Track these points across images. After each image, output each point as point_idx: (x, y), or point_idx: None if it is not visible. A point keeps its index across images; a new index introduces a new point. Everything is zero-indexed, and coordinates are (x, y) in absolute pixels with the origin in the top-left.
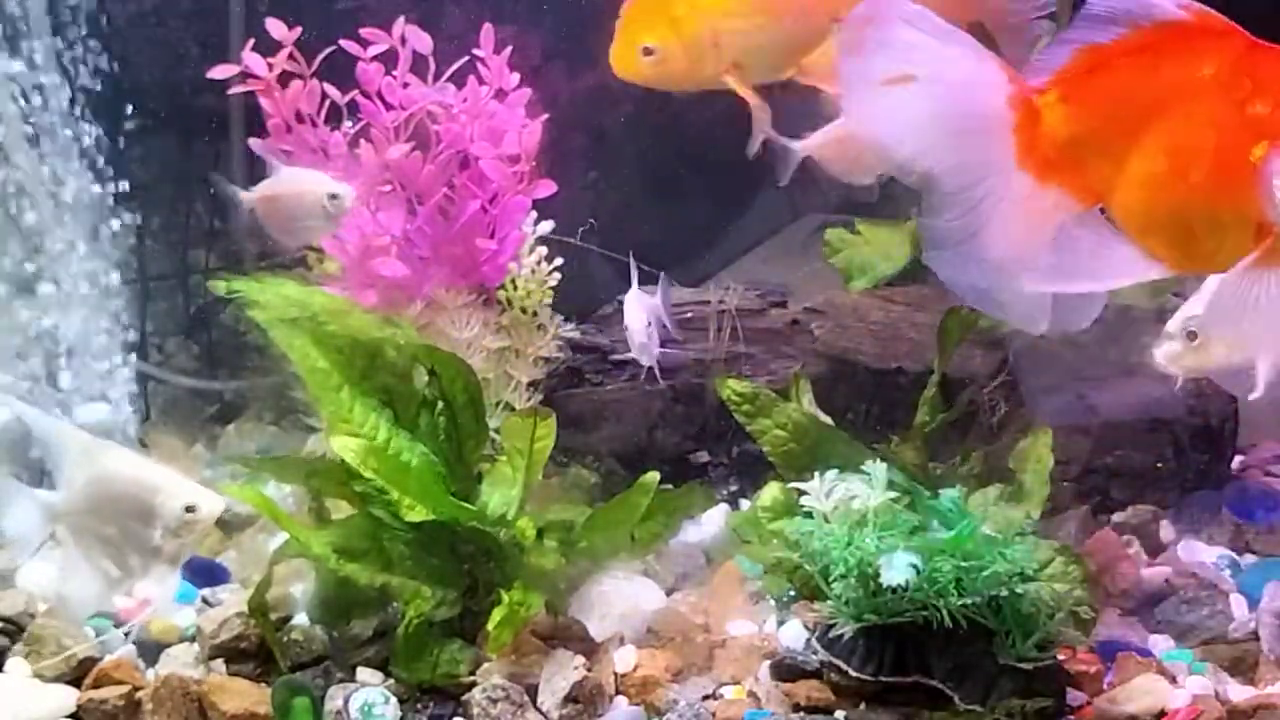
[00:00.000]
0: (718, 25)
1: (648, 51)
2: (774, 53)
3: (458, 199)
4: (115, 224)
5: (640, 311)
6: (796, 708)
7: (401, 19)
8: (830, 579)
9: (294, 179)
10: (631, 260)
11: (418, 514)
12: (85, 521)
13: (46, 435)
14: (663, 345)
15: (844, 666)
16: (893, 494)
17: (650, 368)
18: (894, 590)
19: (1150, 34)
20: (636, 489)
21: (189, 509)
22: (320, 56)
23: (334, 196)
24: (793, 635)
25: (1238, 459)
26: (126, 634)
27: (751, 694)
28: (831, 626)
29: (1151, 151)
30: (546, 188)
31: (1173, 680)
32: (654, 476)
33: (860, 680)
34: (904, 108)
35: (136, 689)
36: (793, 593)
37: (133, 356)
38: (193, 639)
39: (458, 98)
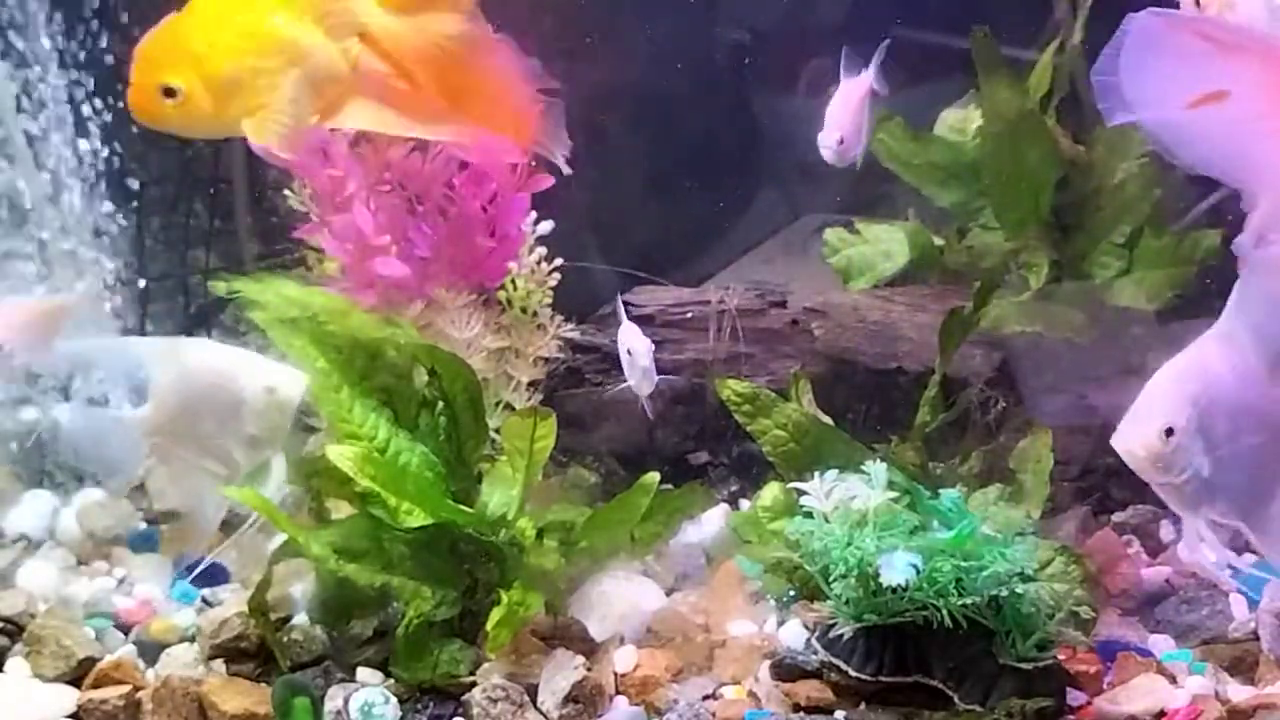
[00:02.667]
0: (242, 64)
1: (169, 92)
2: (301, 97)
3: (458, 199)
4: (115, 224)
5: (638, 342)
6: (796, 708)
7: None
8: (830, 579)
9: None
10: (619, 300)
11: (416, 519)
12: (179, 427)
13: (126, 353)
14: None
15: (844, 666)
16: (893, 494)
17: (646, 397)
18: (894, 590)
19: None
20: (636, 489)
21: (269, 390)
22: None
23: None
24: (793, 635)
25: None
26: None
27: (751, 694)
28: (831, 626)
29: None
30: (544, 181)
31: (1173, 680)
32: (654, 477)
33: (860, 680)
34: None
35: (136, 689)
36: (793, 593)
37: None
38: (193, 639)
39: None
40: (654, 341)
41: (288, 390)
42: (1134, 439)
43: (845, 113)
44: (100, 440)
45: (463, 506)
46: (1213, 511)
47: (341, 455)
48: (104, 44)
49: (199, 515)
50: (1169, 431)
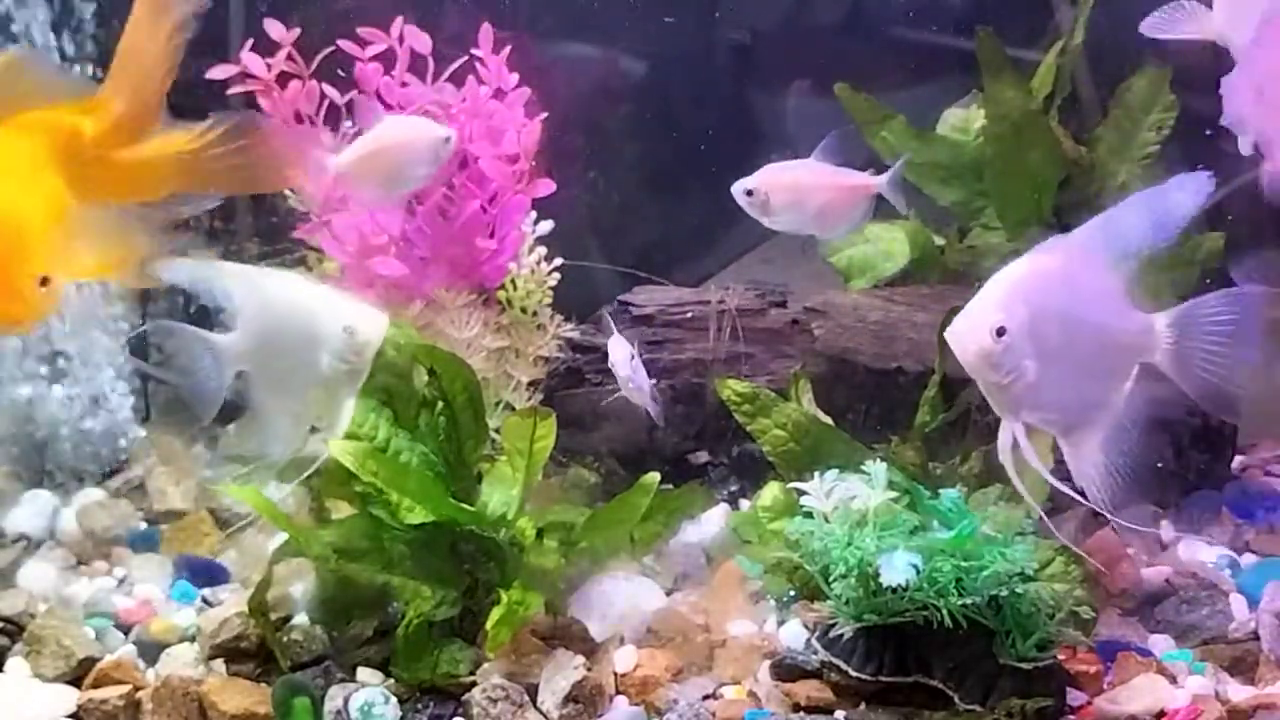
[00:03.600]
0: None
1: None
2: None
3: (458, 199)
4: None
5: (617, 354)
6: (796, 708)
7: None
8: (830, 579)
9: (399, 128)
10: (607, 315)
11: (417, 516)
12: (260, 358)
13: (213, 279)
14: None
15: (844, 666)
16: (893, 494)
17: (652, 403)
18: (894, 590)
19: None
20: (636, 489)
21: (347, 330)
22: (319, 56)
23: (446, 140)
24: (793, 635)
25: (1238, 459)
26: None
27: (751, 694)
28: (831, 626)
29: None
30: (546, 187)
31: (1173, 680)
32: (654, 477)
33: (860, 680)
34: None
35: (137, 689)
36: (793, 593)
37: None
38: (193, 639)
39: (456, 97)
40: (654, 341)
41: (366, 332)
42: (966, 335)
43: (788, 176)
44: (192, 360)
45: (464, 504)
46: (1033, 417)
47: (344, 450)
48: (103, 44)
49: (269, 453)
50: (1000, 331)
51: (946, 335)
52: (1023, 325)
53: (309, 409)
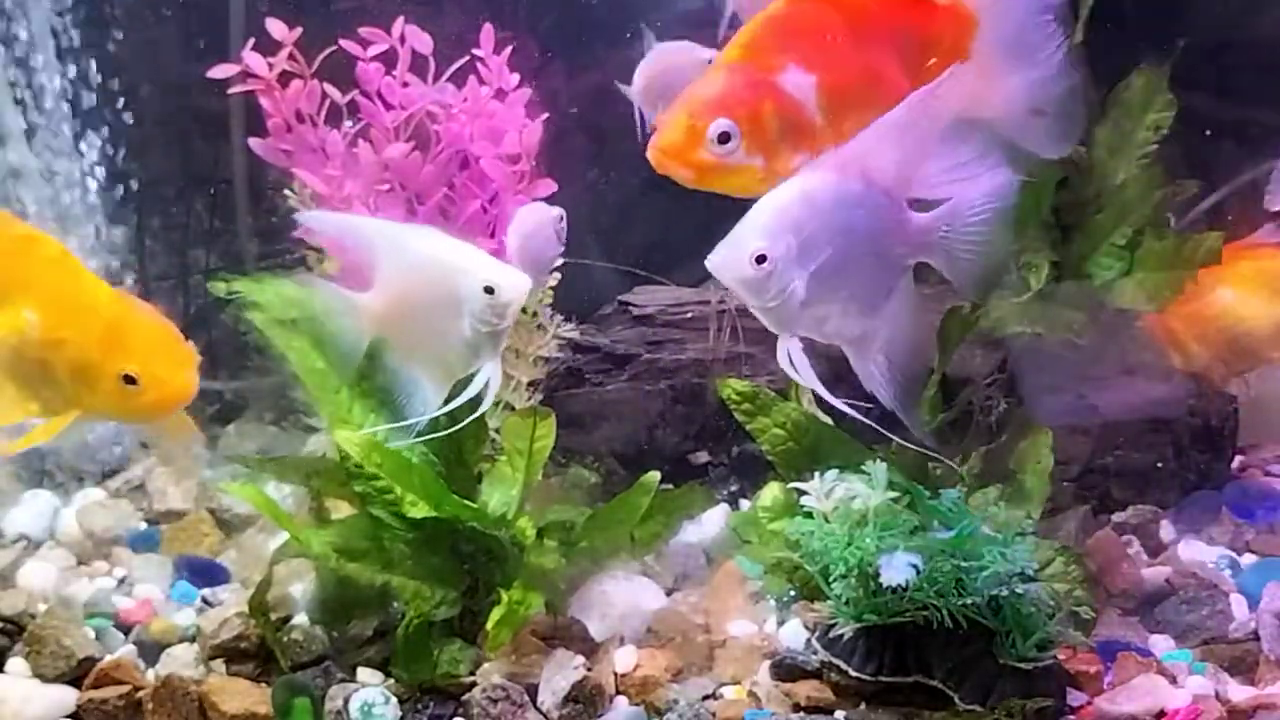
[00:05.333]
0: None
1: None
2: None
3: (458, 199)
4: (116, 224)
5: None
6: (796, 708)
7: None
8: (830, 579)
9: (674, 51)
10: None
11: (420, 510)
12: (399, 318)
13: (356, 232)
14: None
15: (844, 666)
16: (893, 494)
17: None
18: (894, 590)
19: None
20: (636, 489)
21: (487, 290)
22: (321, 56)
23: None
24: (793, 635)
25: (1238, 459)
26: None
27: (751, 694)
28: (831, 626)
29: None
30: (546, 187)
31: (1173, 680)
32: (654, 476)
33: (860, 680)
34: None
35: (137, 689)
36: (793, 593)
37: None
38: (193, 639)
39: (458, 98)
40: (654, 341)
41: (508, 293)
42: (726, 264)
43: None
44: (332, 317)
45: (466, 502)
46: (809, 331)
47: (349, 439)
48: (104, 43)
49: (408, 415)
50: (761, 258)
51: (707, 264)
52: (789, 249)
53: (447, 372)
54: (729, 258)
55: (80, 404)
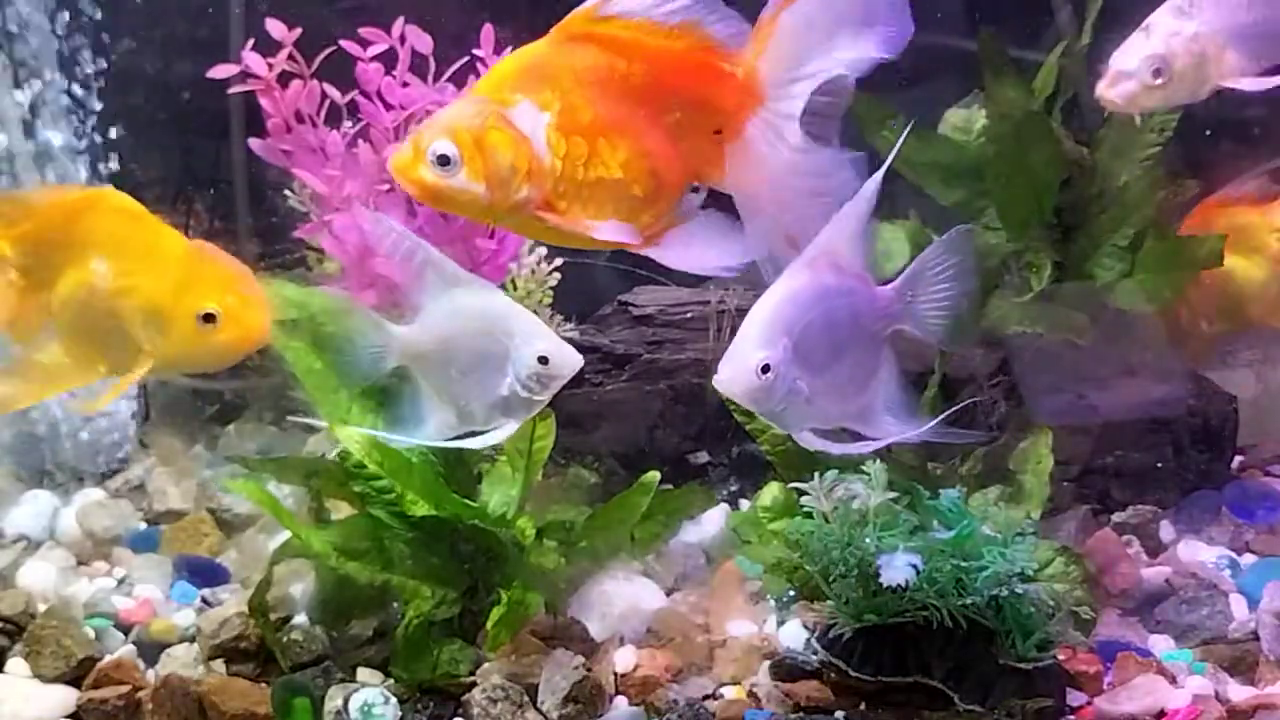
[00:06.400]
0: None
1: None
2: None
3: None
4: None
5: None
6: (796, 708)
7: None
8: (830, 579)
9: None
10: None
11: (421, 509)
12: (432, 359)
13: (410, 255)
14: None
15: (844, 666)
16: (893, 494)
17: None
18: (894, 590)
19: None
20: (636, 489)
21: (541, 360)
22: (320, 56)
23: None
24: (793, 635)
25: (1238, 459)
26: None
27: (751, 694)
28: (831, 626)
29: None
30: None
31: (1173, 680)
32: (654, 476)
33: (860, 680)
34: None
35: (136, 689)
36: (793, 593)
37: None
38: (193, 639)
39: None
40: (654, 341)
41: (560, 367)
42: (733, 381)
43: None
44: (360, 335)
45: (467, 501)
46: (821, 423)
47: (351, 436)
48: (104, 43)
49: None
50: (765, 368)
51: (715, 384)
52: (787, 353)
53: (468, 421)
54: (735, 373)
55: (156, 353)
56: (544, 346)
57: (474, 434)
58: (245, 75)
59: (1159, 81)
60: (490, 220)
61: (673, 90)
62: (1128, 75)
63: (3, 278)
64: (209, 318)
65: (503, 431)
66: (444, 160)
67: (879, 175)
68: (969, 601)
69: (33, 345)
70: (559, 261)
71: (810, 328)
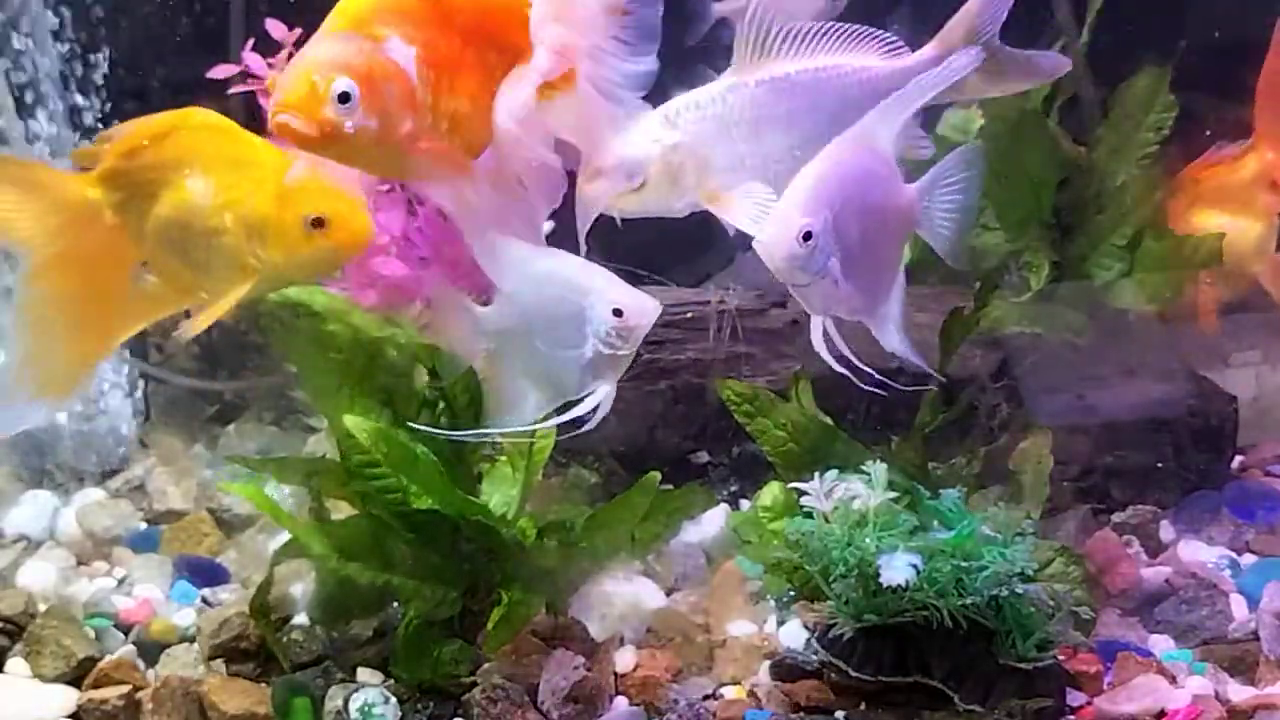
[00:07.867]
0: None
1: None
2: None
3: None
4: None
5: None
6: (796, 708)
7: None
8: (830, 579)
9: None
10: None
11: (424, 502)
12: (517, 334)
13: (482, 243)
14: None
15: (844, 666)
16: (893, 494)
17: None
18: (894, 590)
19: None
20: (637, 489)
21: (615, 312)
22: None
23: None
24: (793, 635)
25: (1238, 459)
26: None
27: (751, 694)
28: (831, 626)
29: None
30: None
31: (1173, 680)
32: (654, 477)
33: (860, 680)
34: None
35: (137, 689)
36: (793, 593)
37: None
38: (193, 639)
39: None
40: (654, 341)
41: (636, 316)
42: (775, 243)
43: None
44: (450, 319)
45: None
46: (841, 310)
47: (359, 426)
48: (103, 41)
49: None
50: (807, 235)
51: (754, 246)
52: (827, 225)
53: (560, 392)
54: (778, 237)
55: (264, 264)
56: (615, 297)
57: (571, 404)
58: (245, 75)
59: (635, 184)
60: (366, 165)
61: (492, 30)
62: (603, 175)
63: (98, 223)
64: (318, 222)
65: (599, 395)
66: (345, 97)
67: (942, 70)
68: (969, 601)
69: (132, 276)
70: None
71: (849, 205)
